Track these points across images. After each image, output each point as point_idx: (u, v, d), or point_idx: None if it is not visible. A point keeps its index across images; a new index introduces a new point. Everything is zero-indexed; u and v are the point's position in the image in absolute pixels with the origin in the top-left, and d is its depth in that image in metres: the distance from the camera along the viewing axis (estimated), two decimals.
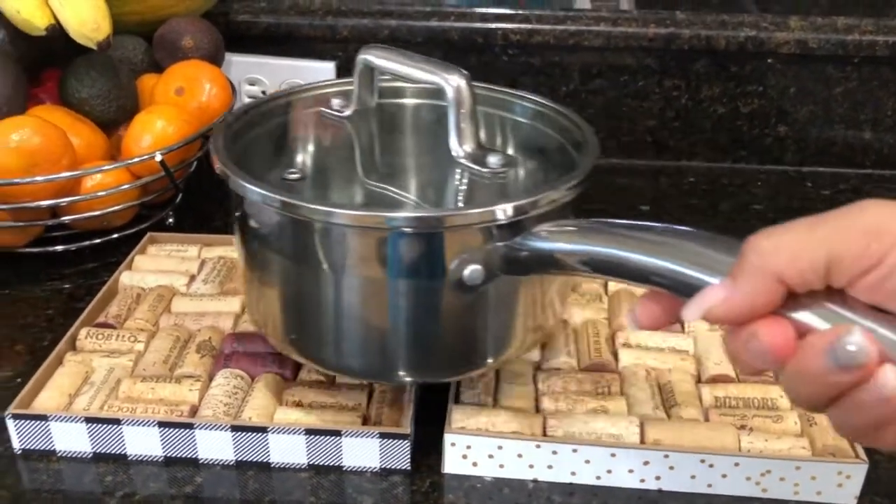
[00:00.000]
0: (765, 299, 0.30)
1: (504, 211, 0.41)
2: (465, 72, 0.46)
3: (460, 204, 0.46)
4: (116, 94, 0.69)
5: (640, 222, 0.39)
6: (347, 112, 0.53)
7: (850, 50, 0.81)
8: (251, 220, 0.45)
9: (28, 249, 0.67)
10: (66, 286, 0.65)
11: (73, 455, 0.48)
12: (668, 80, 0.84)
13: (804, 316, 0.30)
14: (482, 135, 0.50)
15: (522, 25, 0.83)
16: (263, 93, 0.86)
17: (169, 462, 0.48)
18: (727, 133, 0.86)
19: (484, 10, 0.83)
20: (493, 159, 0.46)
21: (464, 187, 0.47)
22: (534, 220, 0.42)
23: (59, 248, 0.67)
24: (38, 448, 0.48)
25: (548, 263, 0.42)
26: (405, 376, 0.46)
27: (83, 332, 0.55)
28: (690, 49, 0.82)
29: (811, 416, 0.48)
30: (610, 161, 0.88)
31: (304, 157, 0.53)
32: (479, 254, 0.42)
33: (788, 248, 0.29)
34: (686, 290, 0.34)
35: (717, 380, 0.51)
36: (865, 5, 0.83)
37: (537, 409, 0.50)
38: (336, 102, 0.54)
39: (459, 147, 0.47)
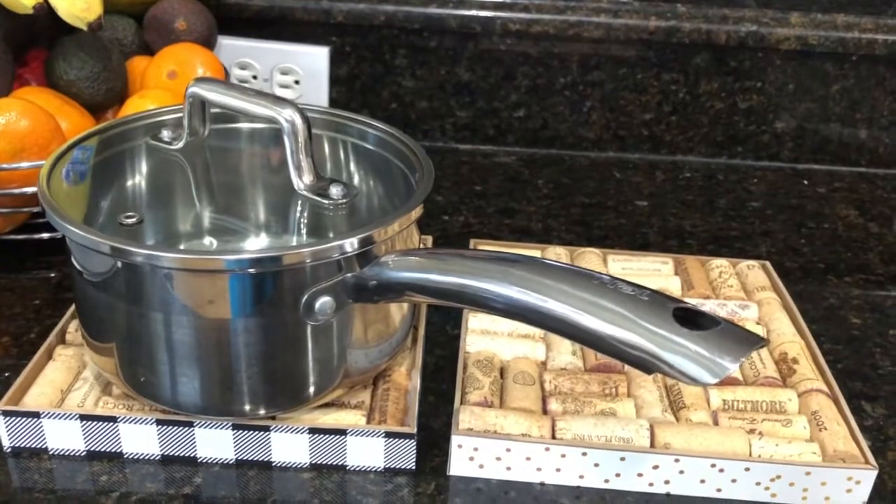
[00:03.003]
0: None
1: (351, 244, 0.42)
2: (297, 104, 0.46)
3: (304, 234, 0.48)
4: (106, 76, 0.67)
5: (477, 250, 0.43)
6: (179, 144, 0.52)
7: (849, 48, 0.81)
8: (87, 265, 0.44)
9: (12, 236, 0.64)
10: (53, 275, 0.63)
11: (66, 453, 0.47)
12: (666, 74, 0.84)
13: None
14: (329, 160, 0.52)
15: (522, 15, 0.81)
16: (254, 77, 0.84)
17: (166, 461, 0.47)
18: (724, 128, 0.86)
19: None
20: (334, 190, 0.47)
21: (308, 218, 0.48)
22: (379, 248, 0.43)
23: (46, 235, 0.65)
24: (28, 446, 0.46)
25: (395, 291, 0.43)
26: (255, 410, 0.46)
27: (73, 324, 0.53)
28: (691, 43, 0.81)
29: (821, 421, 0.48)
30: (606, 154, 0.87)
31: (140, 195, 0.52)
32: (328, 286, 0.42)
33: None
34: (524, 314, 0.37)
35: (724, 382, 0.51)
36: (864, 4, 0.83)
37: (544, 411, 0.49)
38: (166, 134, 0.53)
39: (300, 180, 0.47)
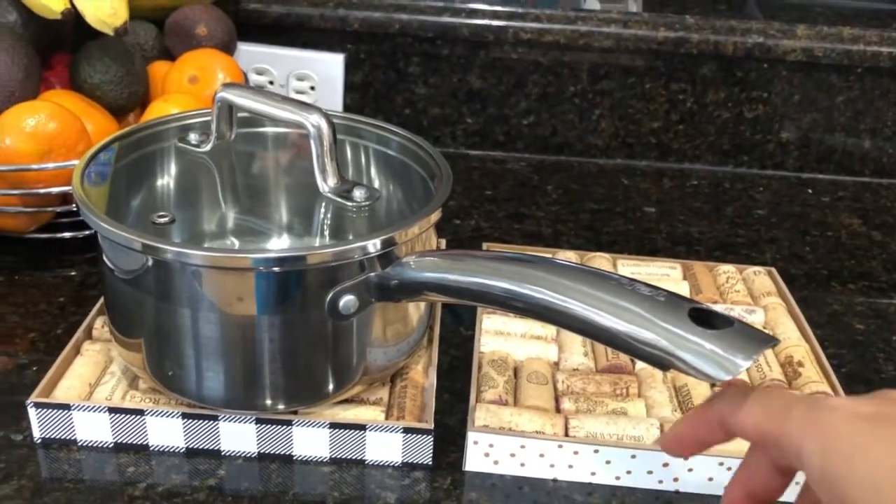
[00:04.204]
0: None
1: (374, 245, 0.44)
2: (323, 110, 0.48)
3: (326, 236, 0.50)
4: (129, 80, 0.68)
5: (494, 251, 0.44)
6: (207, 146, 0.53)
7: (854, 60, 0.82)
8: (118, 262, 0.46)
9: (35, 235, 0.66)
10: (75, 273, 0.64)
11: (94, 445, 0.48)
12: (674, 84, 0.85)
13: None
14: (350, 164, 0.54)
15: (533, 24, 0.83)
16: (271, 83, 0.86)
17: (191, 453, 0.48)
18: (731, 137, 0.87)
19: (496, 7, 0.83)
20: (357, 193, 0.49)
21: (331, 220, 0.50)
22: (400, 250, 0.45)
23: (67, 234, 0.66)
24: (58, 437, 0.48)
25: (416, 291, 0.45)
26: (277, 405, 0.47)
27: (99, 321, 0.55)
28: (698, 53, 0.83)
29: None
30: (615, 161, 0.89)
31: (168, 195, 0.53)
32: (352, 285, 0.44)
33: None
34: (542, 313, 0.39)
35: (731, 384, 0.52)
36: (870, 17, 0.85)
37: (557, 409, 0.50)
38: (193, 137, 0.54)
39: (324, 183, 0.48)
